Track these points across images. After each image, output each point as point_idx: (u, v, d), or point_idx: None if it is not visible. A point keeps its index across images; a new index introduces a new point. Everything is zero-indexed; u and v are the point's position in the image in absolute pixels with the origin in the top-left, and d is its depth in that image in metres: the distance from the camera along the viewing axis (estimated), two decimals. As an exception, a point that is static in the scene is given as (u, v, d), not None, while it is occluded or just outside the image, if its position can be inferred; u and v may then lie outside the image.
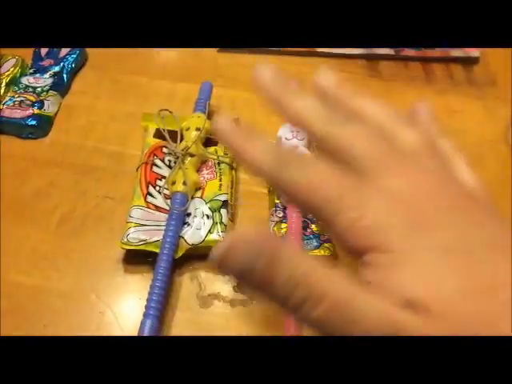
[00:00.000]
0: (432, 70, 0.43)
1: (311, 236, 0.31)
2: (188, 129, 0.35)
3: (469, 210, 0.16)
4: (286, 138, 0.35)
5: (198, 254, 0.32)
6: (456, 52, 0.44)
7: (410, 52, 0.44)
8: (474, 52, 0.44)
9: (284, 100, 0.19)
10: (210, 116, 0.37)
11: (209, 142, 0.36)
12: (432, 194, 0.16)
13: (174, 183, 0.33)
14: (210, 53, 0.45)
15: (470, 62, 0.44)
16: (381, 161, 0.17)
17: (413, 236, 0.15)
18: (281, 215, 0.32)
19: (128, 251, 0.32)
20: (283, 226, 0.32)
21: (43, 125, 0.38)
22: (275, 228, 0.32)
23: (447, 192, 0.16)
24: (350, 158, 0.17)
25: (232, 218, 0.33)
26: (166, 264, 0.29)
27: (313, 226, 0.32)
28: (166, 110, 0.36)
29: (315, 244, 0.31)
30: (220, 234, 0.31)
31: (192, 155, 0.34)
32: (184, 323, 0.30)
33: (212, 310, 0.30)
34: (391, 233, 0.15)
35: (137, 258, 0.32)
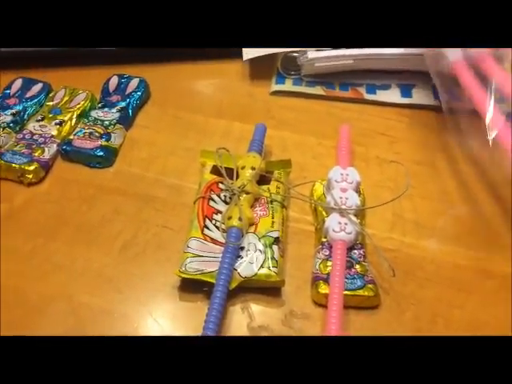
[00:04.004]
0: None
1: (355, 276, 0.33)
2: (243, 167, 0.38)
3: None
4: (336, 181, 0.37)
5: (250, 287, 0.34)
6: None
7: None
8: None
9: None
10: (264, 156, 0.40)
11: (262, 180, 0.38)
12: None
13: (230, 218, 0.35)
14: (262, 95, 0.48)
15: None
16: None
17: None
18: (327, 253, 0.34)
19: (184, 280, 0.34)
20: (328, 263, 0.34)
21: (109, 156, 0.41)
22: (321, 265, 0.34)
23: None
24: None
25: (283, 254, 0.35)
26: (222, 294, 0.31)
27: (357, 266, 0.34)
28: (224, 148, 0.39)
29: (359, 284, 0.33)
30: (271, 268, 0.33)
31: (247, 193, 0.36)
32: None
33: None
34: None
35: (191, 288, 0.34)
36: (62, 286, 0.34)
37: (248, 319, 0.33)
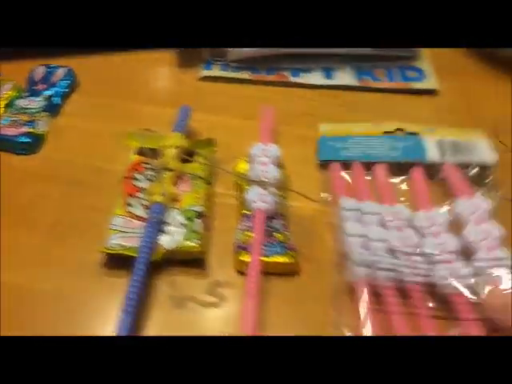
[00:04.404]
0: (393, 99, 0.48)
1: (275, 243, 0.34)
2: (167, 147, 0.39)
3: None
4: (257, 156, 0.39)
5: (174, 260, 0.35)
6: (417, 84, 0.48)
7: (372, 83, 0.48)
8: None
9: None
10: (189, 136, 0.41)
11: (187, 159, 0.39)
12: None
13: (152, 195, 0.36)
14: (191, 81, 0.49)
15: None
16: None
17: None
18: (248, 224, 0.36)
19: (109, 256, 0.34)
20: (248, 233, 0.35)
21: (35, 142, 0.41)
22: (242, 235, 0.35)
23: None
24: None
25: (206, 227, 0.36)
26: (143, 266, 0.32)
27: (278, 234, 0.35)
28: (148, 129, 0.40)
29: (279, 251, 0.34)
30: (194, 240, 0.34)
31: (170, 170, 0.37)
32: (159, 322, 0.32)
33: (185, 310, 0.33)
34: None
35: (118, 263, 0.34)
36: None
37: (173, 291, 0.34)
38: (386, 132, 0.43)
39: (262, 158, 0.39)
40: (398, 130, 0.43)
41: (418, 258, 0.33)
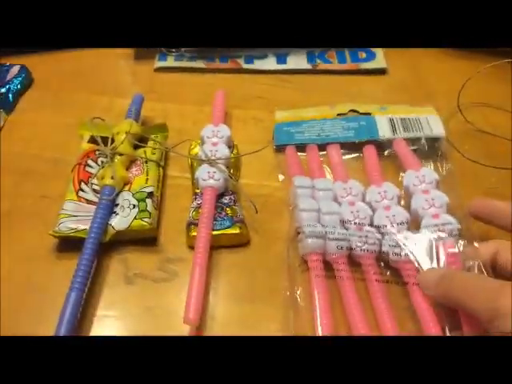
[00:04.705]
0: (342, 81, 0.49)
1: (225, 218, 0.35)
2: (118, 133, 0.39)
3: None
4: (208, 137, 0.39)
5: (126, 240, 0.35)
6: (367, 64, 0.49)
7: (324, 66, 0.49)
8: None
9: None
10: (142, 123, 0.42)
11: (139, 145, 0.40)
12: None
13: (103, 178, 0.36)
14: (146, 73, 0.50)
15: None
16: None
17: None
18: (199, 202, 0.36)
19: (61, 240, 0.35)
20: (200, 211, 0.35)
21: (-13, 137, 0.42)
22: (194, 213, 0.35)
23: None
24: None
25: (157, 207, 0.36)
26: (92, 246, 0.32)
27: (227, 209, 0.36)
28: (99, 117, 0.40)
29: (227, 224, 0.35)
30: (144, 219, 0.35)
31: (121, 154, 0.38)
32: (110, 299, 0.32)
33: (136, 286, 0.33)
34: None
35: (69, 246, 0.35)
36: None
37: (124, 269, 0.34)
38: (339, 114, 0.43)
39: (212, 139, 0.39)
40: (352, 111, 0.44)
41: (369, 228, 0.34)
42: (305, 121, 0.43)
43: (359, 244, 0.33)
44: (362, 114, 0.43)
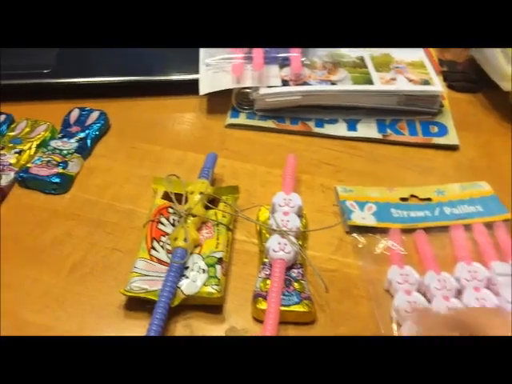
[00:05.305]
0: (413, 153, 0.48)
1: (292, 293, 0.35)
2: (192, 193, 0.40)
3: None
4: (279, 205, 0.40)
5: (193, 305, 0.35)
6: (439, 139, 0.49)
7: (395, 137, 0.49)
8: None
9: None
10: (214, 183, 0.42)
11: (210, 206, 0.40)
12: None
13: (175, 239, 0.37)
14: (218, 128, 0.51)
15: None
16: None
17: None
18: (267, 272, 0.36)
19: (130, 298, 0.35)
20: (268, 282, 0.35)
21: (65, 182, 0.43)
22: (261, 284, 0.35)
23: None
24: None
25: (225, 274, 0.37)
26: (163, 310, 0.33)
27: (295, 283, 0.35)
28: (174, 175, 0.41)
29: (295, 300, 0.34)
30: (213, 286, 0.35)
31: (194, 215, 0.38)
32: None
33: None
34: None
35: (138, 306, 0.35)
36: (7, 304, 0.35)
37: (189, 335, 0.34)
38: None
39: (284, 208, 0.39)
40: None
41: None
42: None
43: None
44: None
